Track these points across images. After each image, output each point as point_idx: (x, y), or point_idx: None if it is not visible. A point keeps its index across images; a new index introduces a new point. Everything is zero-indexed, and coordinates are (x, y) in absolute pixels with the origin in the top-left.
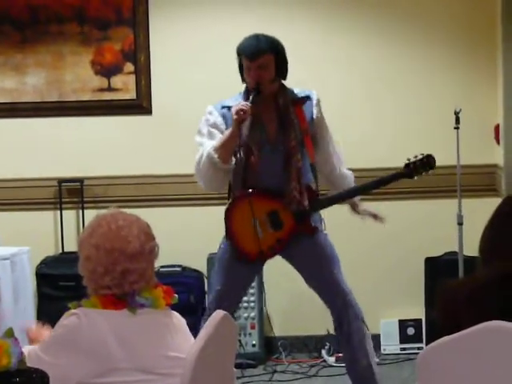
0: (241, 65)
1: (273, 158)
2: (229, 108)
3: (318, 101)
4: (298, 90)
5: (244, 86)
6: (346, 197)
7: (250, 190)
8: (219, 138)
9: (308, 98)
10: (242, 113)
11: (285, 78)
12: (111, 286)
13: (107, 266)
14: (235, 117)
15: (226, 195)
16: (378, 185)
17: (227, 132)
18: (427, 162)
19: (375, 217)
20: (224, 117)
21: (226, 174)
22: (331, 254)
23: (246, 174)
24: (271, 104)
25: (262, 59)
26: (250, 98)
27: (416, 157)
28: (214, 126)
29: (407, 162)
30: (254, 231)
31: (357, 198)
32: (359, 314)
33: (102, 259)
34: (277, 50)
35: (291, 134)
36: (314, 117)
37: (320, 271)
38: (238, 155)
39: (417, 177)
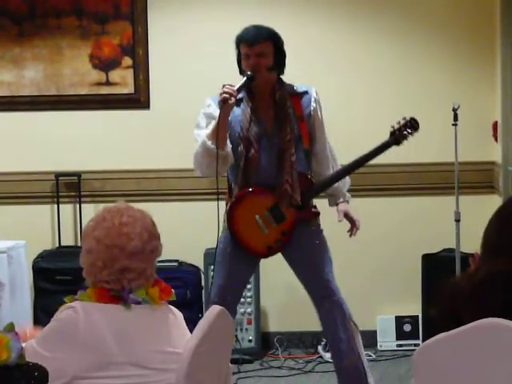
0: (239, 57)
1: (270, 152)
2: None
3: (317, 97)
4: (298, 85)
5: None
6: (336, 178)
7: (250, 189)
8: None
9: (306, 92)
10: (225, 95)
11: (282, 73)
12: (109, 280)
13: (106, 262)
14: (219, 98)
15: (224, 191)
16: (366, 159)
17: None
18: (411, 126)
19: (352, 223)
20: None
21: (222, 160)
22: (325, 253)
23: (247, 168)
24: (268, 98)
25: (261, 46)
26: (240, 83)
27: (399, 123)
28: (211, 116)
29: (392, 130)
30: (258, 229)
31: (345, 198)
32: (347, 313)
33: (101, 254)
34: (276, 39)
35: (287, 128)
36: (312, 110)
37: (312, 270)
38: (239, 149)
39: (404, 141)
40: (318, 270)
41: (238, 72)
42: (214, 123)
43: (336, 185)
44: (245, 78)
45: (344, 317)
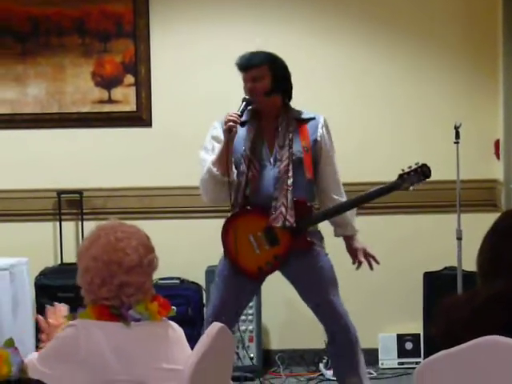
0: None
1: (270, 175)
2: None
3: (325, 124)
4: (306, 112)
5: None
6: (337, 211)
7: (248, 208)
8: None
9: (313, 118)
10: (231, 123)
11: (288, 97)
12: (108, 297)
13: (104, 278)
14: (225, 127)
15: (225, 208)
16: (371, 198)
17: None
18: (422, 172)
19: (370, 258)
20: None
21: (227, 186)
22: (329, 276)
23: (247, 187)
24: (273, 122)
25: (256, 70)
26: (240, 107)
27: (410, 167)
28: (217, 139)
29: (401, 172)
30: (251, 248)
31: (352, 232)
32: (353, 337)
33: (99, 271)
34: (272, 62)
35: (286, 153)
36: (318, 136)
37: (316, 293)
38: (241, 168)
39: (412, 187)
40: (323, 294)
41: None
42: (218, 149)
43: (345, 215)
44: (243, 102)
45: (350, 341)
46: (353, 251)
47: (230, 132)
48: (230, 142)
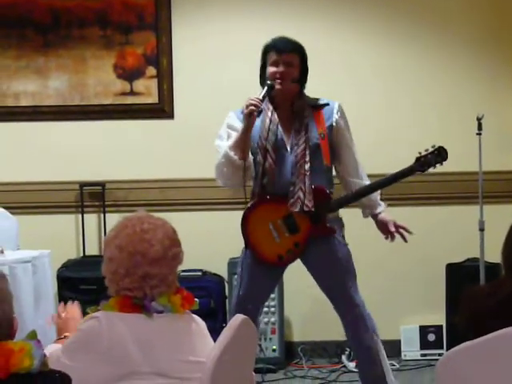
0: (263, 65)
1: (286, 162)
2: None
3: (340, 109)
4: (321, 99)
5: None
6: (355, 197)
7: (268, 197)
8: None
9: (328, 104)
10: (252, 107)
11: (304, 86)
12: (131, 288)
13: (128, 269)
14: (245, 111)
15: (247, 200)
16: (388, 182)
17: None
18: (439, 154)
19: (401, 229)
20: (242, 121)
21: (244, 171)
22: (346, 266)
23: (264, 177)
24: (288, 110)
25: (291, 56)
26: (262, 92)
27: (427, 150)
28: (232, 128)
29: (418, 155)
30: (270, 236)
31: (381, 209)
32: (370, 326)
33: (123, 261)
34: (303, 52)
35: (302, 138)
36: (334, 121)
37: (333, 282)
38: (257, 158)
39: (430, 169)
40: (339, 284)
41: (259, 81)
42: (235, 134)
43: (370, 195)
44: (265, 87)
45: (367, 330)
46: (383, 225)
47: (250, 116)
48: (251, 125)
